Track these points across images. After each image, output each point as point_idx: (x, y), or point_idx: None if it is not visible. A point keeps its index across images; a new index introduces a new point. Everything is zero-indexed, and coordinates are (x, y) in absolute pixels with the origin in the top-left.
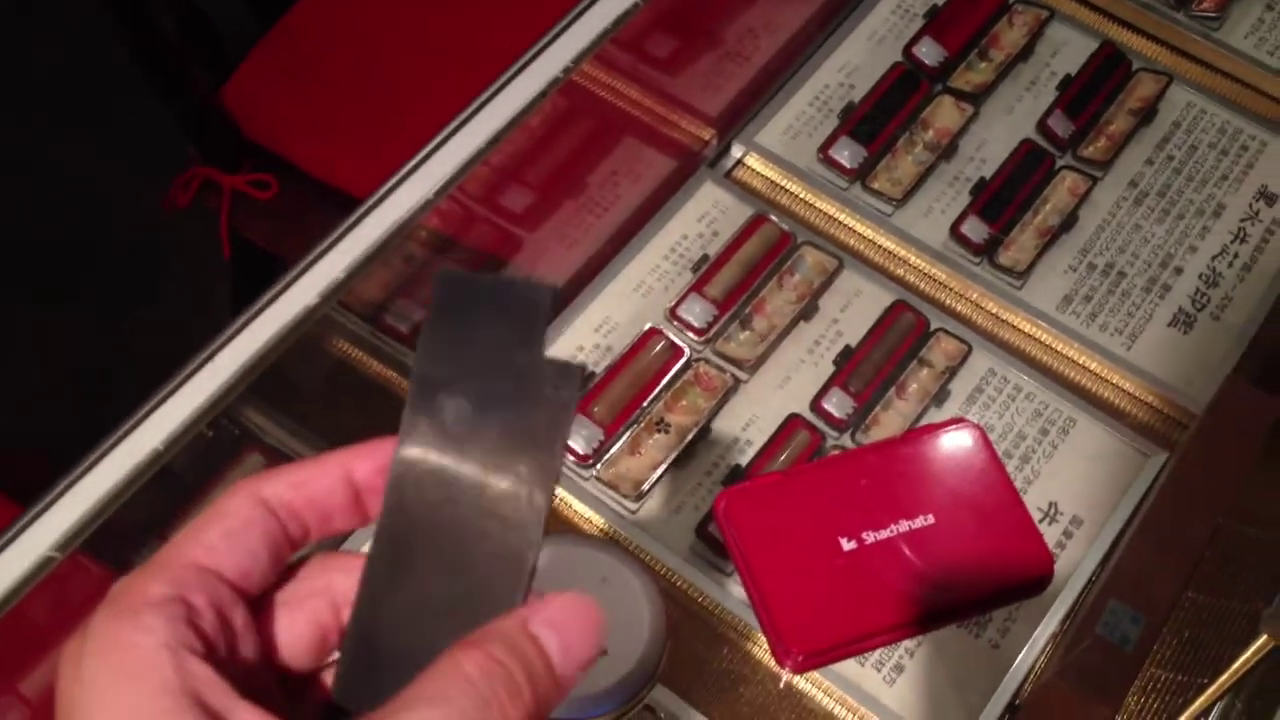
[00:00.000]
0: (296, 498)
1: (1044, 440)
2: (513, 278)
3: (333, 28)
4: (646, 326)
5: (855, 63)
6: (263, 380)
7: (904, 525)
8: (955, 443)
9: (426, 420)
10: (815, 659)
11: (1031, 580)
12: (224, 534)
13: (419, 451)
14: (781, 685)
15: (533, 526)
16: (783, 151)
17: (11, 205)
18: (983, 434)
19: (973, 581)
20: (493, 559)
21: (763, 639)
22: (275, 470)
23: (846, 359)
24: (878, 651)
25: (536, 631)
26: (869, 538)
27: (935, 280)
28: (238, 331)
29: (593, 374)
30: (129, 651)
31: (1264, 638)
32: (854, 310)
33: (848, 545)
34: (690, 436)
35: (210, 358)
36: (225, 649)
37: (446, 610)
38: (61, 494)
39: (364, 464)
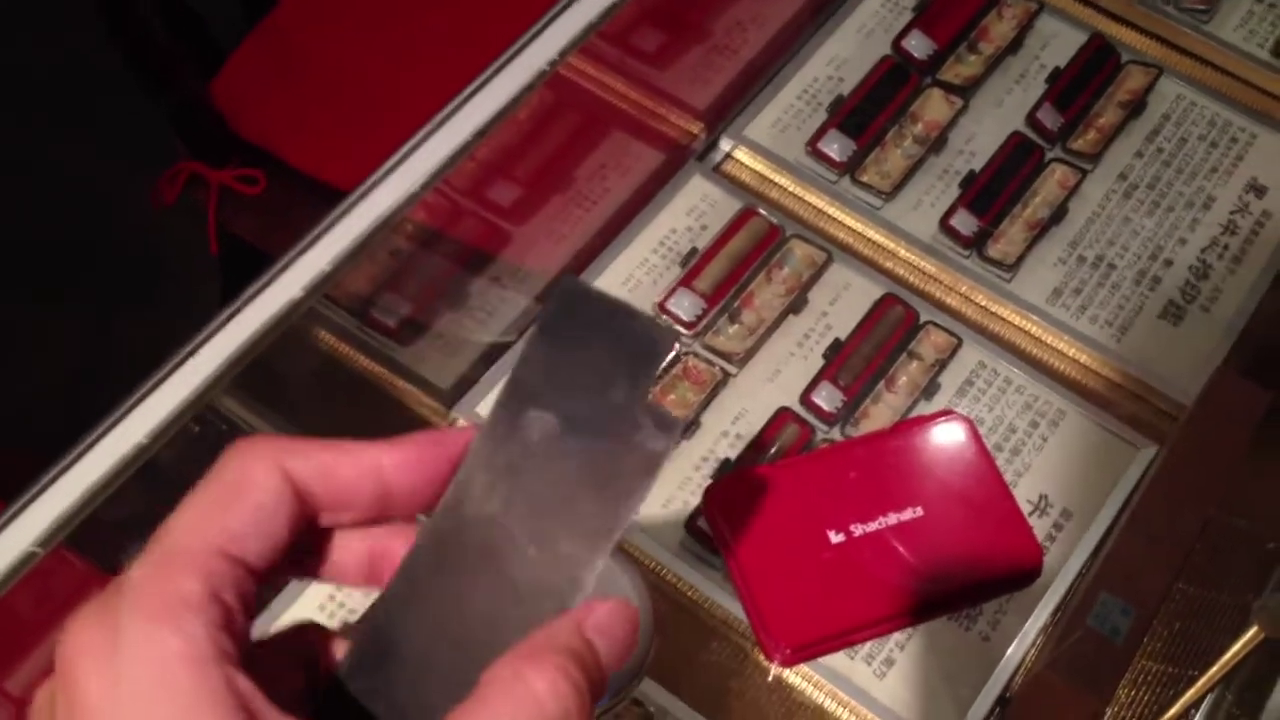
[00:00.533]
0: (322, 484)
1: (1034, 433)
2: (637, 310)
3: (320, 23)
4: None
5: (844, 56)
6: (249, 374)
7: (893, 518)
8: (944, 435)
9: (510, 428)
10: (803, 652)
11: (1021, 572)
12: (253, 517)
13: (493, 456)
14: (770, 679)
15: (586, 572)
16: (771, 145)
17: (2, 204)
18: (972, 426)
19: (962, 573)
20: (533, 593)
21: (753, 634)
22: (298, 443)
23: (836, 352)
24: (868, 645)
25: (592, 639)
26: (857, 530)
27: (925, 273)
28: (223, 325)
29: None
30: (173, 663)
31: (1254, 629)
32: (843, 303)
33: (836, 538)
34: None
35: (195, 351)
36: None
37: (474, 623)
38: (45, 488)
39: (397, 461)
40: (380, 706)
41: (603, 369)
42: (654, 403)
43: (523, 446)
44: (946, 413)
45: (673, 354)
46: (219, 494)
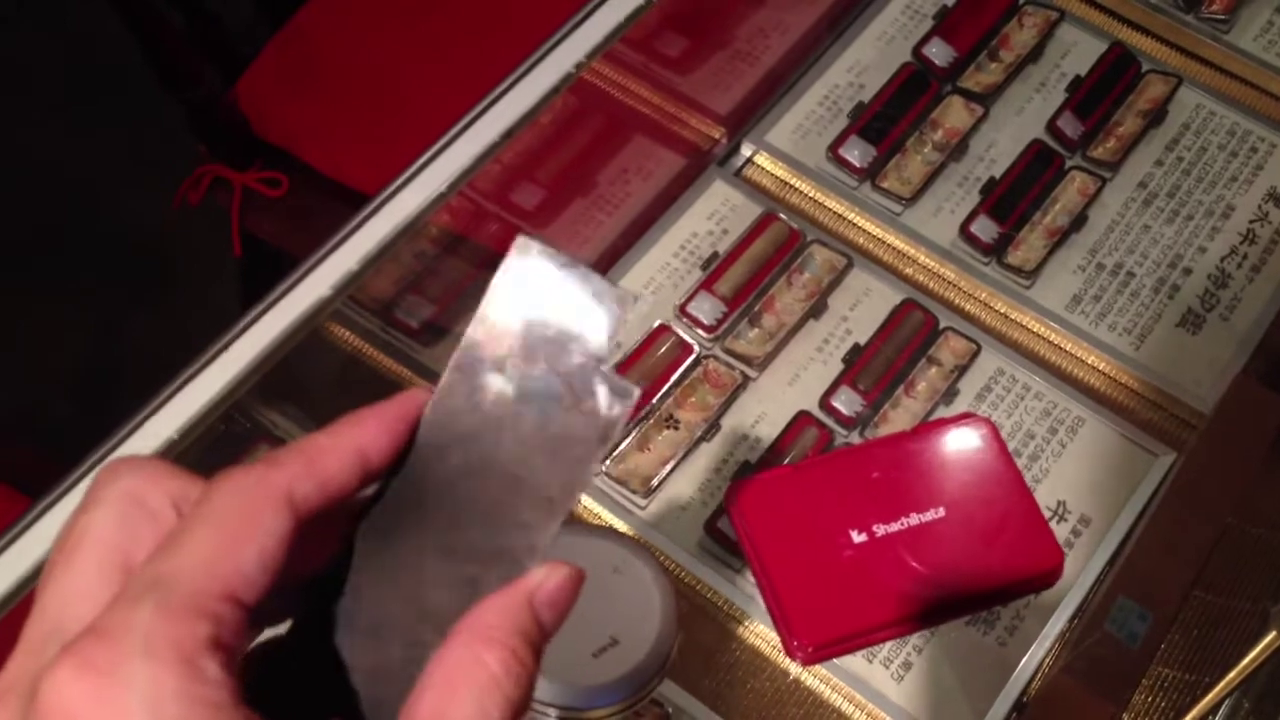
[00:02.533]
0: (320, 495)
1: (1052, 439)
2: (595, 274)
3: (343, 26)
4: (656, 323)
5: (865, 62)
6: (275, 374)
7: (915, 519)
8: (966, 437)
9: (466, 393)
10: (825, 651)
11: (1042, 573)
12: (260, 564)
13: (449, 419)
14: (789, 680)
15: (542, 535)
16: (792, 150)
17: (21, 203)
18: (993, 429)
19: (983, 574)
20: (494, 554)
21: (770, 634)
22: (299, 462)
23: (855, 357)
24: (886, 648)
25: (540, 614)
26: (880, 530)
27: (944, 279)
28: (252, 323)
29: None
30: (198, 710)
31: (1272, 635)
32: (863, 308)
33: (858, 538)
34: (699, 433)
35: (225, 348)
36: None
37: (429, 586)
38: (74, 484)
39: (372, 436)
40: (333, 667)
41: (559, 333)
42: (609, 370)
43: (477, 411)
44: (969, 415)
45: (693, 357)
46: (225, 537)
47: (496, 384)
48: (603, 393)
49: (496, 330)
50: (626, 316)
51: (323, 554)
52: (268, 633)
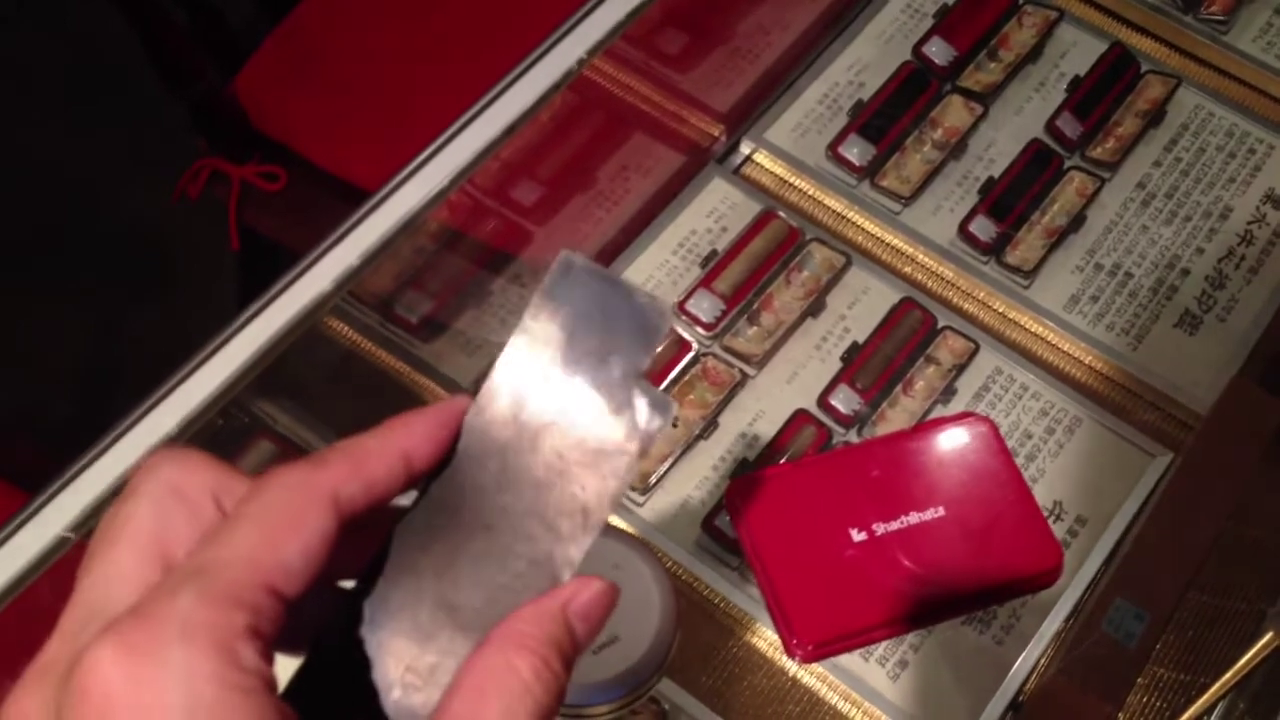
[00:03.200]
0: (365, 497)
1: (1050, 439)
2: (636, 288)
3: (343, 20)
4: None
5: (865, 61)
6: (274, 369)
7: (914, 518)
8: (966, 436)
9: (506, 402)
10: (824, 649)
11: (1041, 572)
12: (302, 559)
13: (489, 427)
14: (786, 678)
15: (577, 546)
16: (792, 148)
17: (21, 202)
18: (993, 428)
19: (983, 573)
20: (529, 565)
21: (768, 633)
22: (345, 464)
23: (854, 355)
24: (882, 647)
25: (574, 625)
26: (879, 529)
27: (943, 278)
28: (252, 318)
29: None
30: (236, 697)
31: (1268, 637)
32: (861, 307)
33: (858, 536)
34: (698, 431)
35: (227, 341)
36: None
37: (465, 592)
38: (76, 475)
39: (417, 441)
40: (370, 669)
41: (600, 346)
42: (649, 382)
43: (516, 420)
44: (969, 414)
45: (692, 354)
46: (269, 531)
47: (537, 394)
48: (641, 405)
49: (538, 342)
50: (666, 330)
51: (363, 555)
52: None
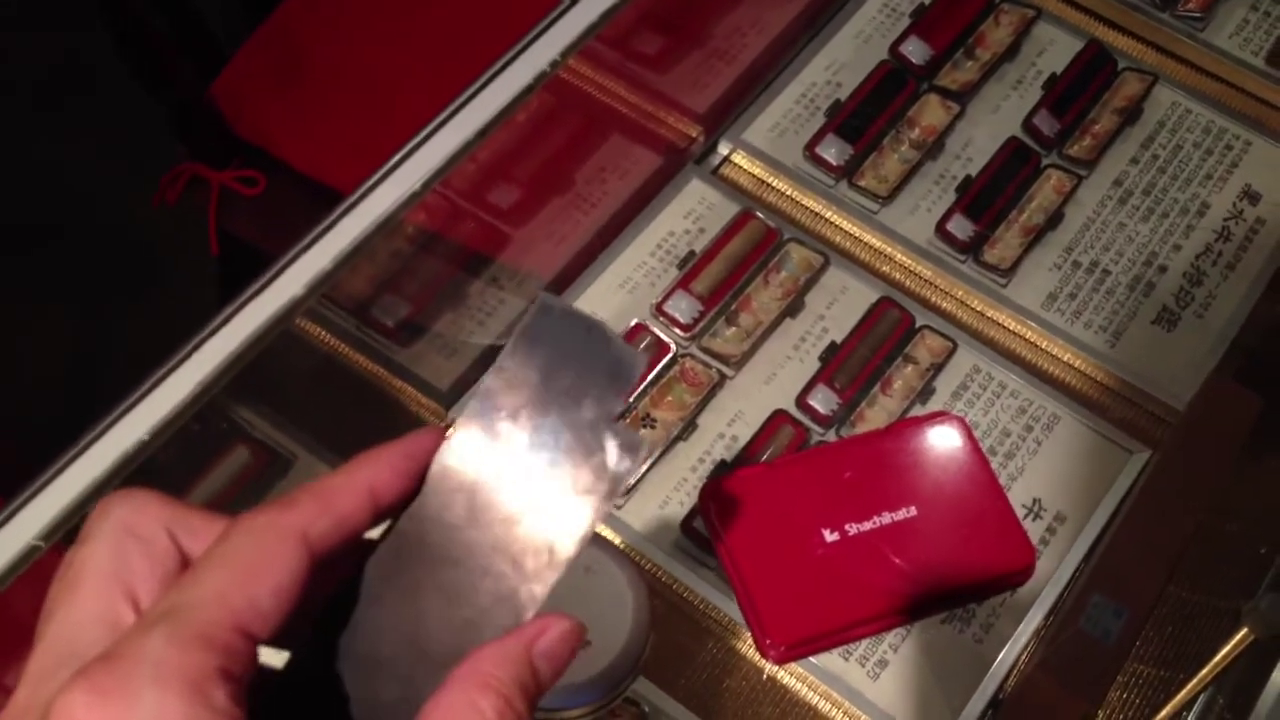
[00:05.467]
0: (336, 536)
1: (1028, 437)
2: (612, 332)
3: (322, 25)
4: (633, 322)
5: (842, 61)
6: (249, 373)
7: (887, 517)
8: (939, 436)
9: (480, 439)
10: (798, 649)
11: (1014, 570)
12: (274, 599)
13: (460, 465)
14: (764, 678)
15: (543, 584)
16: (769, 149)
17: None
18: (966, 427)
19: (955, 572)
20: (494, 601)
21: (746, 634)
22: (313, 502)
23: (832, 355)
24: (861, 646)
25: (538, 666)
26: (852, 529)
27: (921, 277)
28: (226, 320)
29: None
30: None
31: (1244, 631)
32: (840, 307)
33: (831, 536)
34: (676, 432)
35: (199, 345)
36: None
37: (429, 628)
38: (47, 483)
39: (385, 478)
40: (331, 704)
41: (574, 388)
42: (622, 425)
43: (489, 459)
44: (941, 414)
45: (670, 356)
46: (239, 572)
47: (509, 433)
48: (612, 447)
49: (514, 381)
50: (639, 376)
51: (331, 587)
52: (270, 661)
